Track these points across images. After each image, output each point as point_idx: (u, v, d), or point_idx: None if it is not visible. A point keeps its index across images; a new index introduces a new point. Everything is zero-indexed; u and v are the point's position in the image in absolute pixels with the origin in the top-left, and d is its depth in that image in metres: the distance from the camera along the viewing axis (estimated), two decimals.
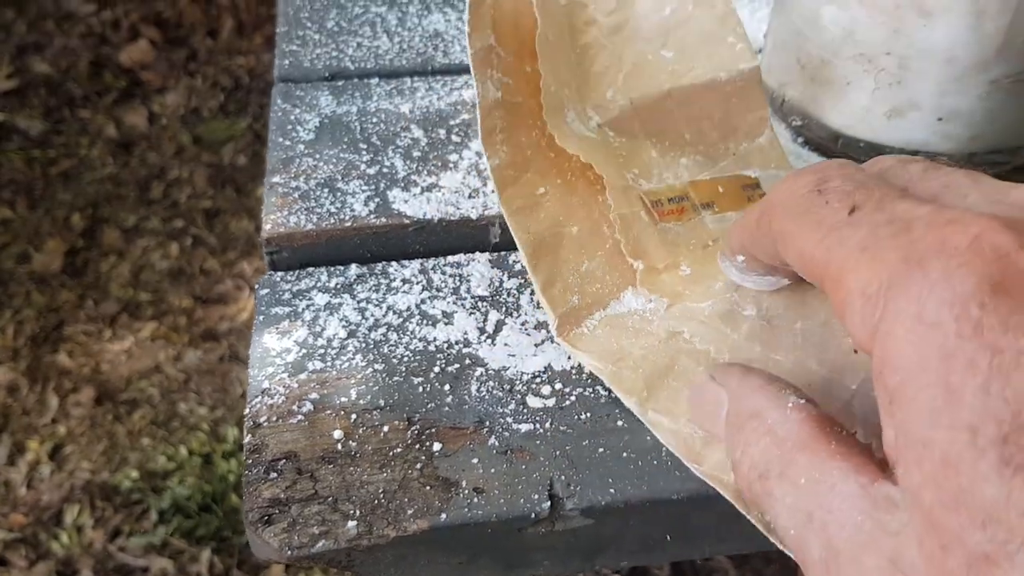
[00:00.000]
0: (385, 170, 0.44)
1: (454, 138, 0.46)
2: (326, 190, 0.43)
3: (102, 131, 1.80)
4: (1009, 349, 0.18)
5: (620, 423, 0.34)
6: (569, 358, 0.36)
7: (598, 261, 0.36)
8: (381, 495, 0.32)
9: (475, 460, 0.33)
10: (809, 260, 0.24)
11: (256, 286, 0.39)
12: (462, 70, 0.51)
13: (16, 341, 1.42)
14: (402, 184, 0.43)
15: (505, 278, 0.40)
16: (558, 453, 0.33)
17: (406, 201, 0.42)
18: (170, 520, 1.21)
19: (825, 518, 0.22)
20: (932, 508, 0.19)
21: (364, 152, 0.45)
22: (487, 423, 0.34)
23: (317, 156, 0.44)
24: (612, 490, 0.32)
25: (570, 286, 0.36)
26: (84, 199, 1.66)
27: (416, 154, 0.45)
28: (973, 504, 0.18)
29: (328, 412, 0.34)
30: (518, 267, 0.40)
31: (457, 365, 0.36)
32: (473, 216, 0.42)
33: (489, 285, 0.39)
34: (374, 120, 0.47)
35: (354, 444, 0.33)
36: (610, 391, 0.35)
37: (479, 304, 0.39)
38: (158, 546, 1.19)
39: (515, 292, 0.39)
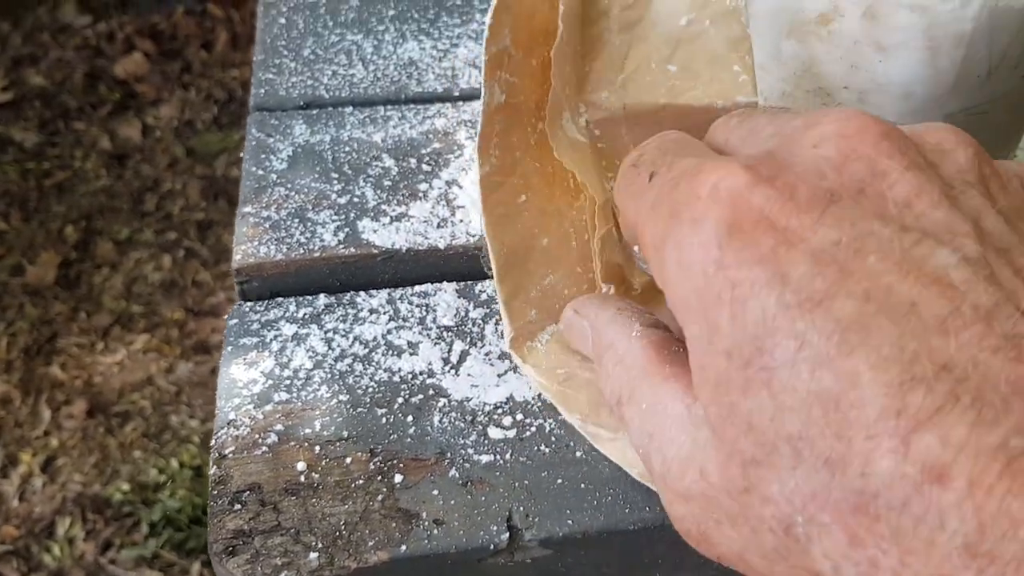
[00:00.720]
0: (356, 200, 0.45)
1: (424, 167, 0.47)
2: (297, 220, 0.43)
3: (96, 143, 1.81)
4: (743, 281, 0.20)
5: (579, 454, 0.35)
6: (530, 388, 0.37)
7: (561, 275, 0.37)
8: (343, 527, 0.33)
9: (436, 492, 0.34)
10: (629, 227, 0.26)
11: (226, 317, 0.40)
12: (435, 98, 0.52)
13: (9, 353, 1.43)
14: (372, 214, 0.44)
15: (471, 308, 0.40)
16: (517, 484, 0.34)
17: (375, 231, 0.43)
18: (161, 533, 1.22)
19: (660, 437, 0.24)
20: (715, 424, 0.22)
21: (336, 181, 0.46)
22: (448, 454, 0.35)
23: (289, 186, 0.45)
24: (570, 521, 0.33)
25: (531, 300, 0.36)
26: (78, 211, 1.67)
27: (387, 183, 0.46)
28: (739, 417, 0.21)
29: (292, 444, 0.35)
30: (484, 296, 0.41)
31: (421, 396, 0.37)
32: (441, 246, 0.43)
33: (455, 315, 0.40)
34: (347, 149, 0.48)
35: (317, 476, 0.34)
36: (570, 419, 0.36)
37: (444, 334, 0.39)
38: (149, 559, 1.19)
39: (480, 322, 0.40)
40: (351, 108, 0.50)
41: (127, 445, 1.32)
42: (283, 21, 0.57)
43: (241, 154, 0.48)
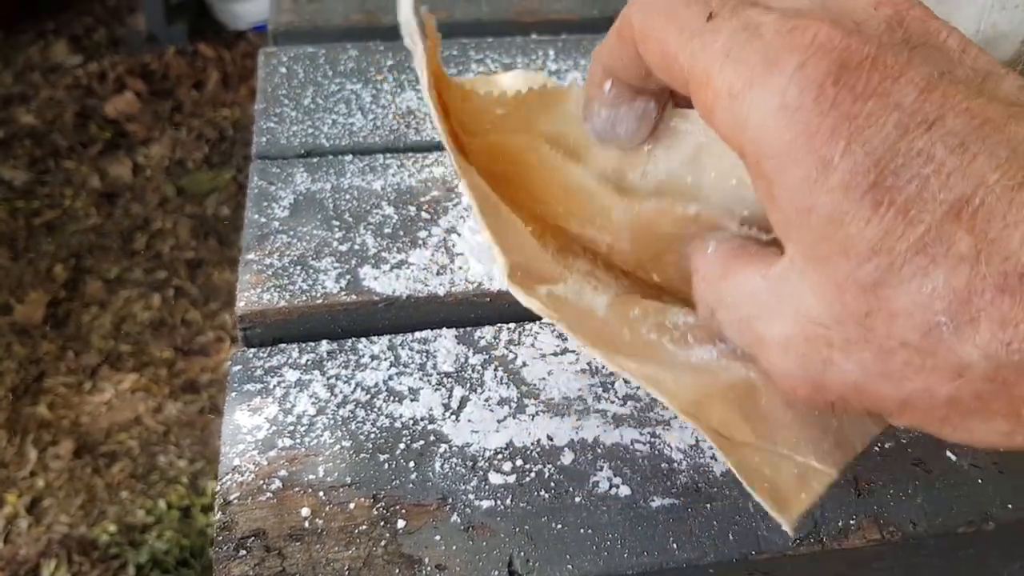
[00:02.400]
0: (356, 247, 0.45)
1: (424, 215, 0.48)
2: (299, 267, 0.44)
3: (86, 182, 1.81)
4: (860, 113, 0.22)
5: (578, 499, 0.36)
6: (530, 433, 0.38)
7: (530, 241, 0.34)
8: (346, 572, 0.33)
9: (438, 537, 0.34)
10: (673, 62, 0.27)
11: (229, 363, 0.41)
12: (433, 147, 0.53)
13: None
14: (372, 261, 0.45)
15: (470, 354, 0.41)
16: (518, 530, 0.35)
17: (376, 278, 0.44)
18: (148, 575, 1.20)
19: (750, 315, 0.26)
20: (826, 259, 0.23)
21: (337, 229, 0.46)
22: (450, 500, 0.35)
23: (291, 233, 0.46)
24: (569, 566, 0.34)
25: (512, 245, 0.32)
26: (67, 250, 1.67)
27: (387, 231, 0.46)
28: (858, 246, 0.22)
29: (296, 489, 0.35)
30: (483, 343, 0.42)
31: (422, 442, 0.37)
32: (440, 293, 0.43)
33: (455, 361, 0.41)
34: (347, 197, 0.49)
35: (321, 522, 0.34)
36: (569, 463, 0.37)
37: (444, 380, 0.40)
38: None
39: (479, 368, 0.41)
40: (351, 156, 0.51)
41: (114, 486, 1.31)
42: (284, 71, 0.58)
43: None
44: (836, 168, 0.22)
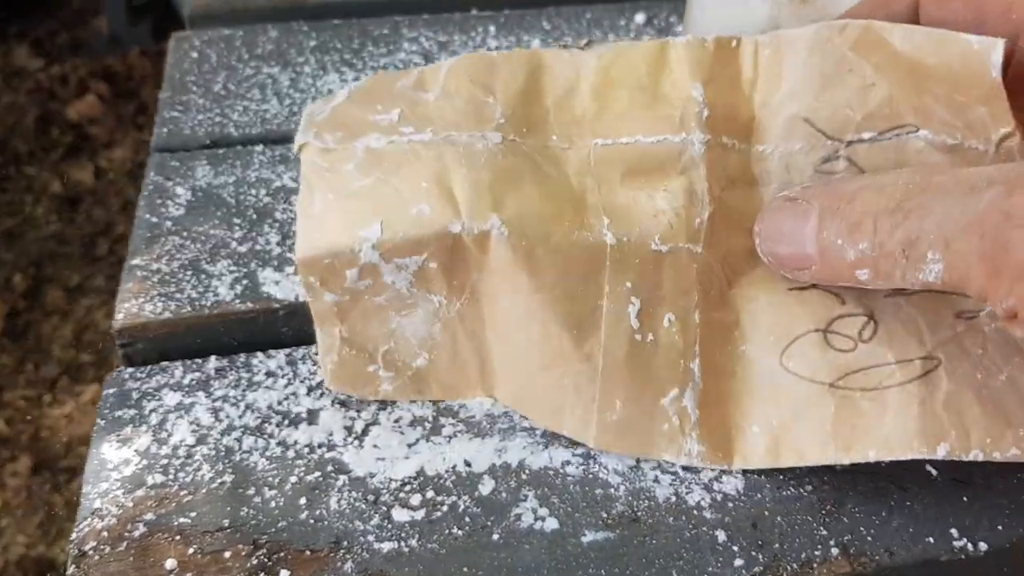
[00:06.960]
0: (258, 248, 0.40)
1: None
2: (189, 272, 0.39)
3: (47, 188, 1.75)
4: None
5: (495, 537, 0.30)
6: (444, 459, 0.33)
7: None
8: None
9: None
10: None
11: (103, 386, 0.35)
12: None
13: None
14: (275, 263, 0.39)
15: None
16: None
17: (277, 283, 0.38)
18: None
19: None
20: None
21: (237, 228, 0.41)
22: (345, 543, 0.30)
23: (185, 234, 0.41)
24: None
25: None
26: (27, 258, 1.61)
27: (295, 229, 0.41)
28: None
29: (163, 536, 0.30)
30: None
31: (317, 473, 0.32)
32: None
33: None
34: (252, 192, 0.43)
35: (189, 575, 0.29)
36: (488, 493, 0.31)
37: (349, 399, 0.35)
38: None
39: None
40: (261, 146, 0.46)
41: (74, 503, 1.26)
42: (195, 55, 0.53)
43: (137, 208, 0.43)
44: None
